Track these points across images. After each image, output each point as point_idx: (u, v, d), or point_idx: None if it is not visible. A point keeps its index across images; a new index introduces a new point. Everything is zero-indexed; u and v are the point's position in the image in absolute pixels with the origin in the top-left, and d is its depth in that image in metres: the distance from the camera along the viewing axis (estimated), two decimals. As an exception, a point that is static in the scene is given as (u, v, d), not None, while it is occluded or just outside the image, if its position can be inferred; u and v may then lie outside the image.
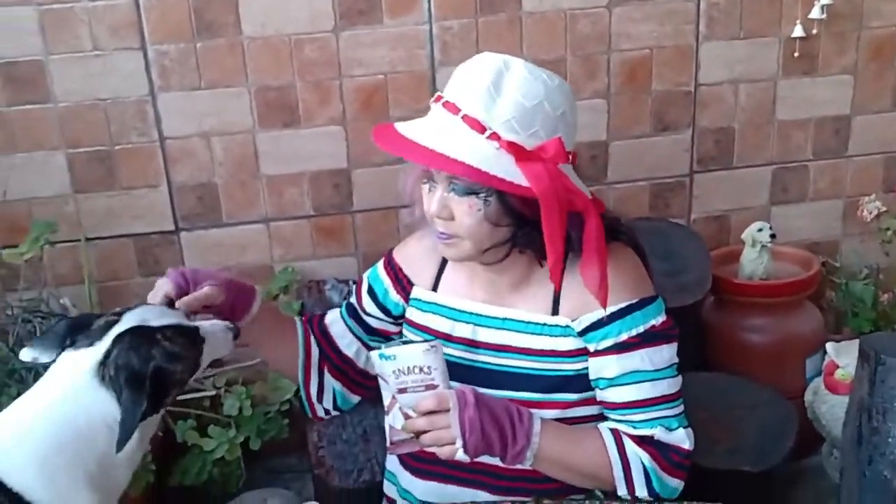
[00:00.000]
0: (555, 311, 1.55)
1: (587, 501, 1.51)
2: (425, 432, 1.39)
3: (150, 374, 1.21)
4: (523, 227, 1.46)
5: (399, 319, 1.70)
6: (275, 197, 2.54)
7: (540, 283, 1.56)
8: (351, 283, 2.48)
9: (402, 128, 1.45)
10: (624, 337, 1.50)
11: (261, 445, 2.41)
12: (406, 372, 1.37)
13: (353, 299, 1.75)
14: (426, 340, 1.39)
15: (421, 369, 1.37)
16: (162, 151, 2.46)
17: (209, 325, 1.37)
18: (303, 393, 1.68)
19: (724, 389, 2.32)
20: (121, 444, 1.18)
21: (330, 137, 2.51)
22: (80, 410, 1.21)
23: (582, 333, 1.53)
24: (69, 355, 1.25)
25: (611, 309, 1.50)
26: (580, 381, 1.55)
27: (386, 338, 1.71)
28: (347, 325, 1.72)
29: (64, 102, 2.39)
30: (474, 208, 1.43)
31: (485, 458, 1.43)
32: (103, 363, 1.21)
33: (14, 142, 2.40)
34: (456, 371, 1.47)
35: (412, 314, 1.67)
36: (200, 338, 1.33)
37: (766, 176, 2.79)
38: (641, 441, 1.50)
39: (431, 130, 1.41)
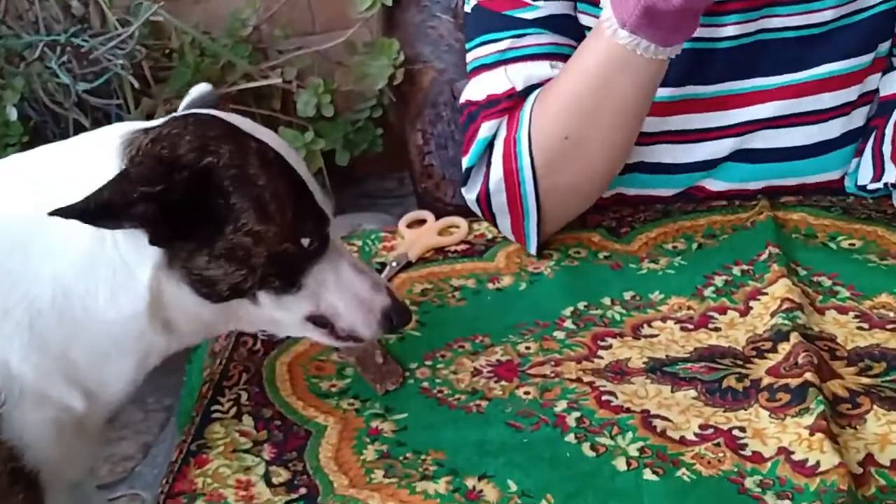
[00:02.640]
0: None
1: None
2: None
3: (195, 170, 0.69)
4: None
5: None
6: None
7: None
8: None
9: None
10: None
11: (350, 161, 1.94)
12: None
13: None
14: None
15: None
16: None
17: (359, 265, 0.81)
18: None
19: None
20: (68, 209, 0.64)
21: None
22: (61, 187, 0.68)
23: None
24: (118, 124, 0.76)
25: None
26: None
27: None
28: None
29: None
30: None
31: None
32: (147, 130, 0.72)
33: None
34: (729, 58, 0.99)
35: None
36: (323, 223, 0.77)
37: None
38: None
39: None
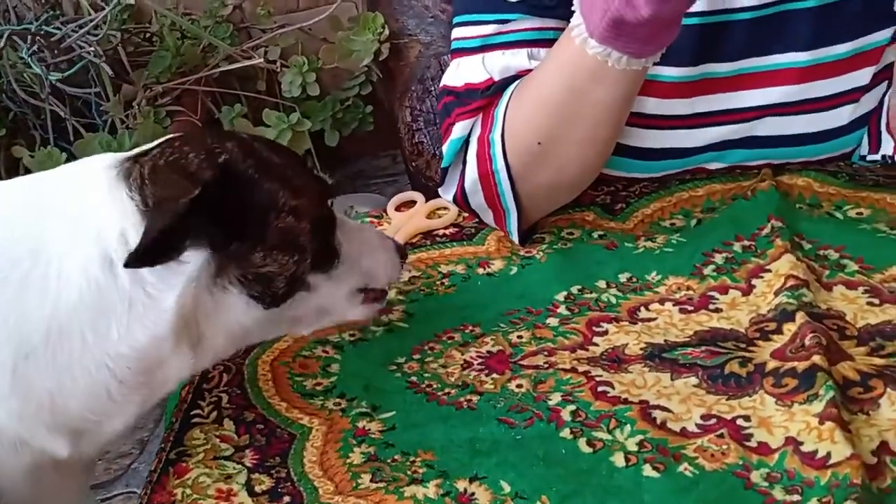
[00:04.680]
0: None
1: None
2: None
3: (218, 168, 0.67)
4: None
5: None
6: None
7: None
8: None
9: None
10: None
11: (340, 141, 1.90)
12: None
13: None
14: None
15: None
16: None
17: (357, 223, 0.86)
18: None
19: None
20: (136, 255, 0.63)
21: None
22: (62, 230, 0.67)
23: None
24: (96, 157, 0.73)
25: None
26: None
27: None
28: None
29: None
30: None
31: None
32: (136, 158, 0.70)
33: None
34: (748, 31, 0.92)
35: None
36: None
37: None
38: None
39: None
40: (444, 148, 0.96)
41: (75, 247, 0.66)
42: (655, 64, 0.84)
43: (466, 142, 0.94)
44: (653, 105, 0.94)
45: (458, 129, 0.94)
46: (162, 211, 0.64)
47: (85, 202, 0.67)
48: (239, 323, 0.72)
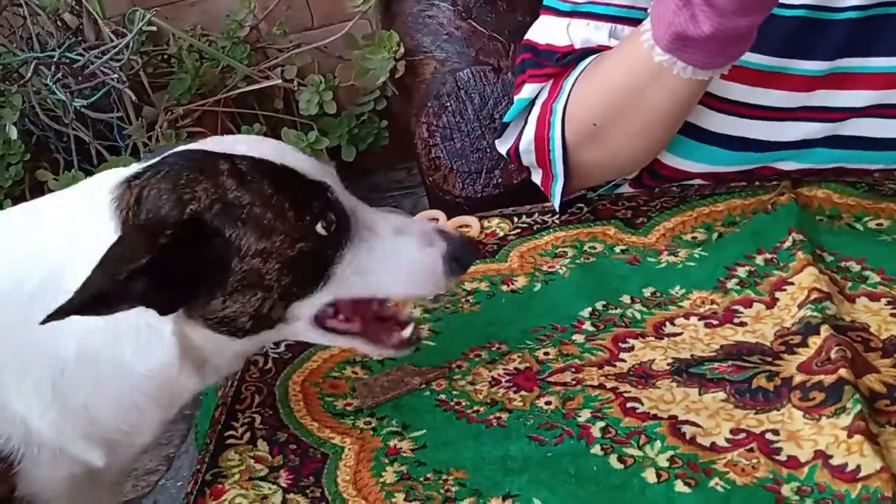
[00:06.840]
0: None
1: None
2: None
3: (181, 225, 0.66)
4: None
5: None
6: None
7: None
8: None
9: None
10: None
11: (357, 156, 1.92)
12: None
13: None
14: None
15: None
16: None
17: (397, 223, 0.74)
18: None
19: None
20: (57, 312, 0.62)
21: None
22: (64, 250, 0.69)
23: None
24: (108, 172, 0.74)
25: None
26: None
27: None
28: None
29: None
30: None
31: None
32: (130, 182, 0.70)
33: None
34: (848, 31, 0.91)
35: None
36: (324, 193, 0.71)
37: None
38: None
39: None
40: (515, 100, 0.99)
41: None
42: None
43: (532, 102, 0.97)
44: (738, 91, 0.94)
45: (528, 90, 0.98)
46: (103, 272, 0.63)
47: (94, 229, 0.69)
48: (229, 346, 0.74)
